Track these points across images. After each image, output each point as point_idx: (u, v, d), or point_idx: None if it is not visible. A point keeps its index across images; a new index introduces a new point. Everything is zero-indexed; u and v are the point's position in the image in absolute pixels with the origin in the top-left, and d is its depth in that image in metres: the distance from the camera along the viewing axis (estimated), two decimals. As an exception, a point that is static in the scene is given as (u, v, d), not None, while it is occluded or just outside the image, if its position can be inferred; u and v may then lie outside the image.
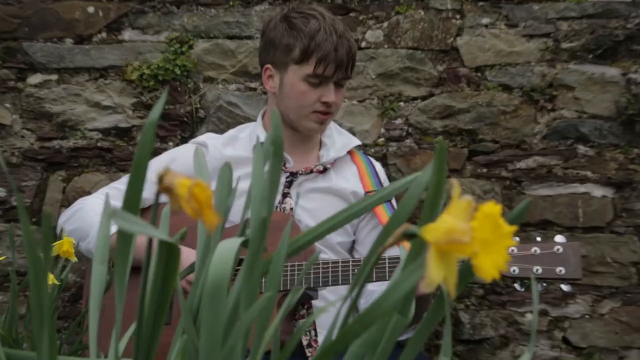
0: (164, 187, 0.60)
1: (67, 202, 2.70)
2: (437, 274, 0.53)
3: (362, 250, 2.12)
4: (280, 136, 0.73)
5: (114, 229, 1.99)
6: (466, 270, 0.72)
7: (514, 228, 0.55)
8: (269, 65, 2.07)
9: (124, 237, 0.68)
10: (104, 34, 2.78)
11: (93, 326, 0.79)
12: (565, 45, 2.79)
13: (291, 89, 2.02)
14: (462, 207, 0.55)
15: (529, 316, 2.75)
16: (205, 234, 0.75)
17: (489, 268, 0.53)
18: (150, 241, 0.66)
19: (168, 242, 0.60)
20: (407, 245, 1.99)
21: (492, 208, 0.54)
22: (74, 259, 1.51)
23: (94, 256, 0.98)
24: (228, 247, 0.67)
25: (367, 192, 2.13)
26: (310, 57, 1.98)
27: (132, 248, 0.71)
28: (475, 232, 0.53)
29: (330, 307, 0.76)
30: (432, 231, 0.55)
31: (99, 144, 2.76)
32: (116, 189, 2.09)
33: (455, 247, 0.53)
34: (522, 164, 2.77)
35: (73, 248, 1.49)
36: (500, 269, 0.53)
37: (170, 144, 2.74)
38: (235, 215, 1.78)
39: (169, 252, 0.62)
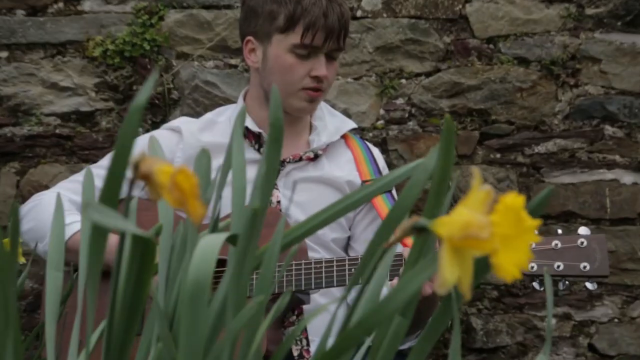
0: (141, 174, 0.60)
1: (21, 198, 2.69)
2: (451, 274, 0.52)
3: (359, 248, 2.12)
4: (281, 117, 0.73)
5: (74, 228, 1.99)
6: (478, 268, 0.72)
7: (538, 222, 0.55)
8: (250, 37, 2.06)
9: (99, 233, 0.68)
10: (60, 4, 2.76)
11: (50, 338, 0.79)
12: (590, 11, 2.79)
13: (276, 63, 2.02)
14: (480, 198, 0.54)
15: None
16: (185, 228, 0.75)
17: (509, 267, 0.53)
18: (122, 239, 0.66)
19: (143, 236, 0.60)
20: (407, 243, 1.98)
21: (515, 200, 0.54)
22: (22, 260, 1.51)
23: (47, 262, 0.98)
24: (211, 243, 0.67)
25: (364, 182, 2.12)
26: (297, 24, 1.97)
27: (105, 245, 0.71)
28: (495, 226, 0.53)
29: (322, 311, 0.76)
30: (446, 225, 0.54)
31: (57, 131, 2.75)
32: (77, 182, 2.08)
33: (472, 243, 0.53)
34: (541, 148, 2.78)
35: (21, 247, 1.48)
36: (522, 268, 0.53)
37: (140, 130, 2.73)
38: (224, 208, 1.79)
39: (144, 249, 0.61)
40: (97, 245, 0.74)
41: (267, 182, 0.68)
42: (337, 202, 0.76)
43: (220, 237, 0.67)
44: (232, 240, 0.68)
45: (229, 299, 0.65)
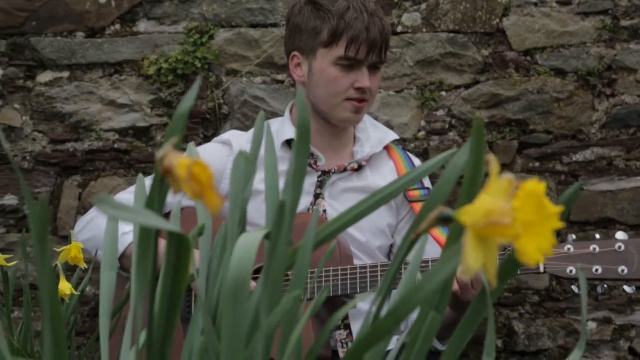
0: (164, 168, 0.60)
1: (83, 210, 2.73)
2: (475, 261, 0.52)
3: (401, 254, 2.11)
4: (307, 119, 0.73)
5: (130, 237, 2.01)
6: (511, 262, 0.71)
7: (560, 209, 0.54)
8: (296, 53, 2.07)
9: (144, 234, 0.68)
10: (117, 26, 2.80)
11: (104, 334, 0.80)
12: (625, 22, 2.75)
13: (321, 76, 2.02)
14: (503, 186, 0.54)
15: (590, 324, 2.71)
16: (226, 227, 0.75)
17: (532, 252, 0.52)
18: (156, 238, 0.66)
19: (177, 233, 0.60)
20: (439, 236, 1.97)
21: (536, 186, 0.53)
22: (84, 266, 1.53)
23: (102, 262, 0.99)
24: (250, 241, 0.67)
25: (406, 191, 2.11)
26: (341, 38, 1.98)
27: (152, 245, 0.72)
28: (517, 212, 0.52)
29: (353, 307, 0.76)
30: (470, 213, 0.54)
31: (115, 146, 2.79)
32: (134, 193, 2.11)
33: (495, 230, 0.53)
34: (579, 157, 2.75)
35: (82, 254, 1.50)
36: (547, 255, 0.52)
37: (192, 143, 2.75)
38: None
39: (179, 245, 0.62)
40: (145, 248, 0.74)
41: (297, 179, 0.68)
42: (368, 196, 0.76)
43: (258, 235, 0.68)
44: (268, 237, 0.68)
45: (263, 294, 0.65)
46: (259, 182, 1.26)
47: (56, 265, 1.49)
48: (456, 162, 0.69)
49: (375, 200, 0.74)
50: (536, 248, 0.53)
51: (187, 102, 0.71)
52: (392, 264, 0.67)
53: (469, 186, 0.66)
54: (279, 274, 0.65)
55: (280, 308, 0.64)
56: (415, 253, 0.77)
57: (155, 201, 0.68)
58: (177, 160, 0.61)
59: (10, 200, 2.78)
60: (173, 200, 1.92)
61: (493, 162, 0.55)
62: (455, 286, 1.81)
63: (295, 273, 0.70)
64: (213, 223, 0.89)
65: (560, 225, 0.54)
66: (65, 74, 2.80)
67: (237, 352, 0.68)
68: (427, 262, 1.82)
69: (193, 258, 0.66)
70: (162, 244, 1.86)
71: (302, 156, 0.69)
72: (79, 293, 1.52)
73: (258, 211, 1.54)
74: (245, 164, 0.74)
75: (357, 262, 2.00)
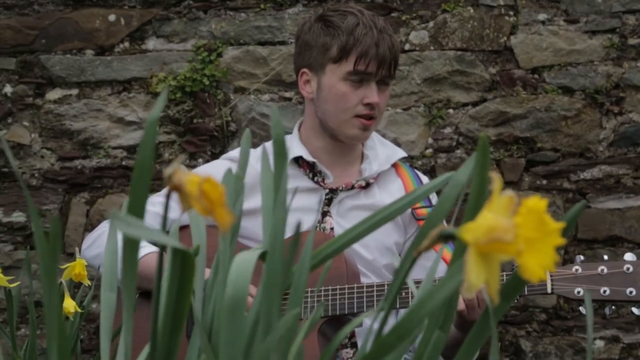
0: (173, 185, 0.60)
1: (90, 227, 2.73)
2: (477, 277, 0.51)
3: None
4: (282, 134, 0.73)
5: (142, 252, 2.00)
6: (515, 280, 0.70)
7: (561, 225, 0.54)
8: (305, 69, 2.07)
9: (130, 245, 0.68)
10: (126, 44, 2.82)
11: (105, 356, 0.79)
12: (632, 41, 2.75)
13: (330, 92, 2.02)
14: (504, 203, 0.54)
15: (598, 343, 2.69)
16: (221, 242, 0.75)
17: (534, 268, 0.52)
18: (161, 254, 0.66)
19: (181, 249, 0.60)
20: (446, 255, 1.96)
21: (537, 203, 0.53)
22: (87, 283, 1.53)
23: (102, 282, 0.99)
24: (246, 259, 0.67)
25: (413, 210, 2.11)
26: (350, 54, 1.98)
27: (137, 257, 0.72)
28: (518, 229, 0.52)
29: (358, 323, 0.75)
30: (472, 230, 0.54)
31: (123, 163, 2.79)
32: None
33: (497, 246, 0.52)
34: (586, 174, 2.74)
35: (86, 271, 1.50)
36: (549, 270, 0.52)
37: (200, 160, 2.76)
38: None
39: (183, 261, 0.61)
40: (131, 260, 0.74)
41: (281, 194, 0.68)
42: (372, 214, 0.75)
43: (254, 254, 0.67)
44: (262, 257, 0.68)
45: (262, 311, 0.65)
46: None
47: (61, 282, 1.49)
48: (456, 178, 0.69)
49: (380, 218, 0.74)
50: (538, 264, 0.52)
51: (156, 109, 0.71)
52: (393, 281, 0.66)
53: (474, 204, 0.66)
54: (275, 291, 0.65)
55: (281, 325, 0.64)
56: (429, 271, 0.77)
57: (138, 207, 0.69)
58: (187, 177, 0.60)
59: (18, 217, 2.79)
60: (176, 216, 1.93)
61: (495, 179, 0.55)
62: (462, 305, 1.80)
63: (292, 292, 0.70)
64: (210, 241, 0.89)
65: (562, 241, 0.54)
66: (74, 92, 2.81)
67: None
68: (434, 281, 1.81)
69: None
70: (150, 263, 1.85)
71: (281, 170, 0.70)
72: (82, 310, 1.52)
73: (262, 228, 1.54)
74: (235, 182, 0.74)
75: (364, 280, 1.99)
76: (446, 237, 0.58)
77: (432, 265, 0.83)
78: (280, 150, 0.73)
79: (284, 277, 0.67)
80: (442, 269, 1.73)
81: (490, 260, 0.53)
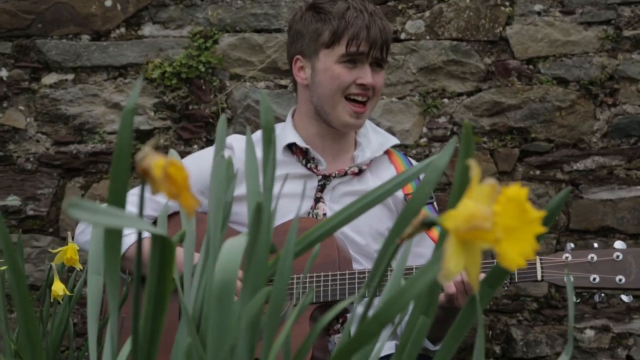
0: (141, 169, 0.60)
1: (85, 211, 2.72)
2: (455, 264, 0.51)
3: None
4: (271, 120, 0.73)
5: (132, 238, 2.00)
6: (500, 268, 0.70)
7: (542, 213, 0.53)
8: (298, 56, 2.07)
9: (112, 234, 0.68)
10: (122, 30, 2.80)
11: (92, 337, 0.79)
12: (627, 32, 2.75)
13: (324, 75, 2.03)
14: (486, 191, 0.53)
15: (588, 332, 2.70)
16: (211, 231, 0.75)
17: (513, 256, 0.52)
18: (139, 241, 0.66)
19: (160, 235, 0.60)
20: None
21: (517, 191, 0.53)
22: (79, 267, 1.53)
23: (88, 265, 0.99)
24: (236, 244, 0.66)
25: (406, 195, 2.11)
26: (342, 37, 2.00)
27: (120, 244, 0.72)
28: (498, 217, 0.51)
29: (343, 306, 0.75)
30: (452, 218, 0.53)
31: (118, 148, 2.79)
32: (134, 196, 2.10)
33: (476, 234, 0.52)
34: (579, 165, 2.74)
35: (78, 255, 1.50)
36: (529, 259, 0.52)
37: (195, 146, 2.76)
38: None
39: (162, 247, 0.61)
40: (112, 246, 0.74)
41: (267, 179, 0.68)
42: (359, 198, 0.75)
43: (243, 239, 0.67)
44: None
45: (242, 290, 0.65)
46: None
47: (51, 266, 1.49)
48: (435, 163, 0.69)
49: (368, 201, 0.74)
50: (518, 252, 0.52)
51: (133, 98, 0.71)
52: (375, 267, 0.66)
53: (457, 191, 0.66)
54: (259, 277, 0.65)
55: (257, 299, 0.64)
56: (401, 259, 0.77)
57: (119, 195, 0.69)
58: (154, 161, 0.60)
59: (12, 201, 2.78)
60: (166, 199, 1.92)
61: (473, 166, 0.54)
62: (452, 289, 1.80)
63: (277, 275, 0.70)
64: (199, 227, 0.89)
65: (542, 229, 0.54)
66: (70, 76, 2.80)
67: (223, 355, 0.67)
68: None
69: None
70: (146, 247, 1.86)
71: (270, 157, 0.69)
72: (71, 294, 1.52)
73: None
74: (226, 168, 0.74)
75: (356, 266, 2.00)
76: (428, 225, 0.58)
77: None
78: (269, 137, 0.72)
79: (267, 261, 0.67)
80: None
81: (471, 247, 0.53)
